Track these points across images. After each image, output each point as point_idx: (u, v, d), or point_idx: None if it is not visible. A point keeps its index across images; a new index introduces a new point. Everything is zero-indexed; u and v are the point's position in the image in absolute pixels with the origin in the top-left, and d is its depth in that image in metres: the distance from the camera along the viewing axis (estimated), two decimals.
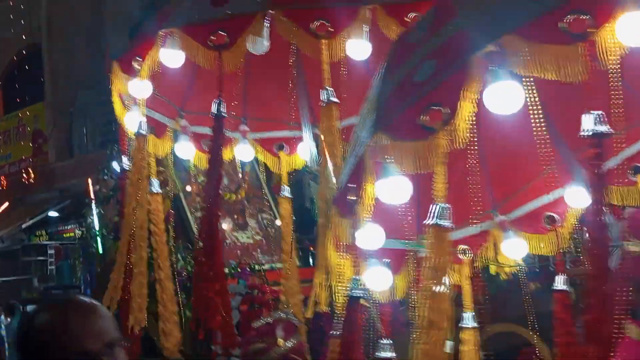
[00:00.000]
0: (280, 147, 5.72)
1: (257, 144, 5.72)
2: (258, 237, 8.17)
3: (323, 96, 4.55)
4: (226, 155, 5.37)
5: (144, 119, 4.84)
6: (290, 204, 5.79)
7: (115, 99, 4.99)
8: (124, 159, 5.43)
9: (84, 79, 20.02)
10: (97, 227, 16.07)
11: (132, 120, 4.91)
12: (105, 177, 7.87)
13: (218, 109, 4.53)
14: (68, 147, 20.31)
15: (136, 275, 5.01)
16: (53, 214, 19.09)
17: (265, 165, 8.75)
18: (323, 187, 4.57)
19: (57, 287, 17.53)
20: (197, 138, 5.38)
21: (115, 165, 7.93)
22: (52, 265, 18.92)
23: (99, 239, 16.32)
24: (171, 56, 4.55)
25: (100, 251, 16.47)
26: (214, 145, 4.62)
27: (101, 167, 7.94)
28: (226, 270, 7.41)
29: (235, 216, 8.15)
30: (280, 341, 4.53)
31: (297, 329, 4.73)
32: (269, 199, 8.54)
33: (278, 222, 7.60)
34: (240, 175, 8.33)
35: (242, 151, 5.67)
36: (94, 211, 16.28)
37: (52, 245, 18.99)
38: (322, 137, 4.56)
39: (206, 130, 4.82)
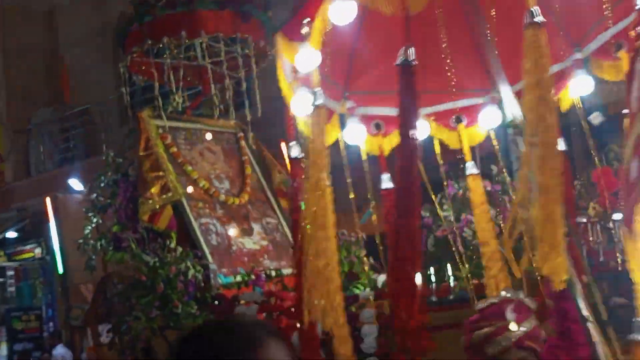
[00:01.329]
0: (459, 120, 5.21)
1: (431, 120, 5.18)
2: (264, 243, 7.80)
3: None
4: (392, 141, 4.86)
5: (320, 89, 4.14)
6: (480, 180, 5.27)
7: (281, 76, 4.43)
8: (293, 147, 4.59)
9: (41, 96, 19.57)
10: (56, 246, 15.56)
11: (301, 97, 4.26)
12: (102, 184, 7.41)
13: (408, 56, 3.77)
14: (25, 166, 19.74)
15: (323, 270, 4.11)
16: (11, 234, 18.42)
17: (264, 163, 8.48)
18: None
19: (17, 309, 16.98)
20: (366, 120, 4.90)
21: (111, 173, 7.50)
22: (12, 287, 18.33)
23: (58, 258, 15.78)
24: (343, 9, 3.95)
25: (61, 271, 15.94)
26: (406, 104, 3.80)
27: (97, 174, 7.47)
28: (238, 278, 7.03)
29: (240, 221, 7.77)
30: (513, 325, 3.71)
31: (531, 311, 3.86)
32: (272, 202, 8.19)
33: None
34: (241, 178, 7.98)
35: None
36: (54, 230, 15.74)
37: (11, 267, 18.37)
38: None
39: (375, 111, 4.34)
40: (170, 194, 7.29)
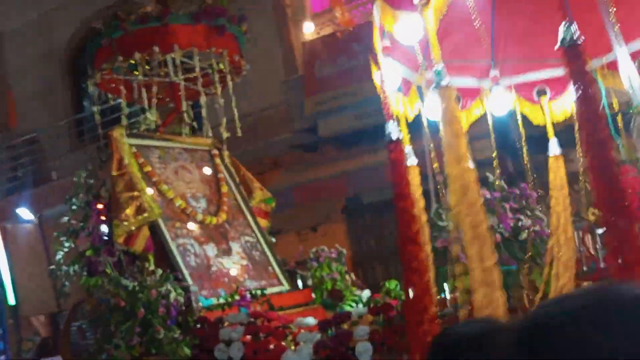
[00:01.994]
0: (542, 92, 4.89)
1: (512, 91, 4.86)
2: (244, 262, 7.54)
3: None
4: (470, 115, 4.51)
5: (442, 65, 3.67)
6: (562, 162, 4.95)
7: (376, 44, 4.07)
8: (391, 126, 4.20)
9: None
10: (7, 277, 15.02)
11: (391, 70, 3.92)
12: (74, 207, 7.08)
13: (572, 34, 3.30)
14: None
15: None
16: None
17: (243, 181, 8.23)
18: None
19: None
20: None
21: (83, 195, 7.18)
22: None
23: (9, 290, 15.23)
24: None
25: (12, 303, 15.38)
26: (582, 90, 3.26)
27: (70, 195, 7.13)
28: (221, 299, 6.78)
29: (218, 241, 7.50)
30: None
31: None
32: (249, 220, 7.94)
33: None
34: (218, 197, 7.74)
35: (496, 102, 4.70)
36: (4, 261, 15.20)
37: None
38: None
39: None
40: (146, 215, 7.00)
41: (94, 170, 7.37)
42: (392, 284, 7.25)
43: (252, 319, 6.43)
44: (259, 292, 6.87)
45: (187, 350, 6.36)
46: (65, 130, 17.80)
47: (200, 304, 6.79)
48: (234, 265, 7.42)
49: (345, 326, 6.15)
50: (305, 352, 6.08)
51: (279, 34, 13.98)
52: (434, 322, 4.03)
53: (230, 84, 7.75)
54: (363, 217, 13.81)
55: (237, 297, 6.71)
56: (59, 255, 7.06)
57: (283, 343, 6.29)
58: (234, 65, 7.81)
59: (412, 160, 4.63)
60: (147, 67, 7.54)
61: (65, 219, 7.10)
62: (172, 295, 6.43)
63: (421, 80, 4.61)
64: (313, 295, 7.54)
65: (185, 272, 6.89)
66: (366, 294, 7.53)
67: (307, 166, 13.52)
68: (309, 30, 13.58)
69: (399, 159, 4.31)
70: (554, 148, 4.94)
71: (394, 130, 4.28)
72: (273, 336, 6.34)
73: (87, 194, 7.17)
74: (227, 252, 7.48)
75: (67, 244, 7.05)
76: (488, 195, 5.21)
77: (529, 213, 5.01)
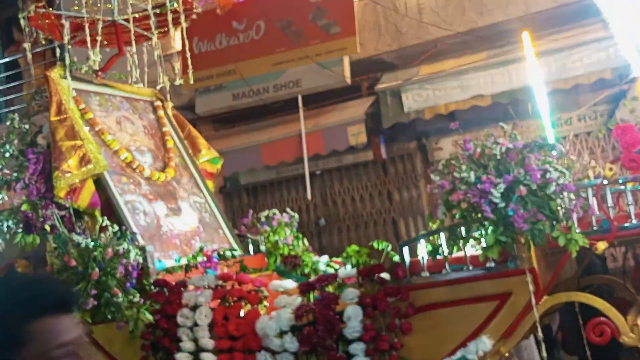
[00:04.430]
0: None
1: None
2: (194, 224, 6.87)
3: None
4: None
5: None
6: None
7: None
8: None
9: None
10: None
11: None
12: (8, 154, 6.19)
13: None
14: None
15: None
16: None
17: (188, 138, 7.54)
18: None
19: None
20: None
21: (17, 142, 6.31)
22: None
23: None
24: None
25: None
26: None
27: (2, 141, 6.22)
28: (183, 260, 6.13)
29: (168, 200, 6.80)
30: None
31: None
32: (197, 180, 7.26)
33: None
34: (163, 152, 7.04)
35: None
36: None
37: None
38: None
39: None
40: (91, 166, 6.21)
41: (27, 114, 6.50)
42: (352, 249, 6.86)
43: (221, 282, 5.83)
44: (228, 252, 6.26)
45: (149, 316, 5.68)
46: None
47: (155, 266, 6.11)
48: (184, 226, 6.75)
49: (330, 289, 5.67)
50: (285, 317, 5.56)
51: None
52: None
53: (183, 25, 6.98)
54: (240, 197, 13.46)
55: (202, 258, 6.07)
56: None
57: (257, 307, 5.75)
58: (187, 5, 7.08)
59: None
60: (89, 1, 6.69)
61: None
62: (133, 254, 5.72)
63: None
64: (266, 261, 7.00)
65: (136, 231, 6.17)
66: (324, 259, 7.07)
67: None
68: None
69: None
70: None
71: None
72: (246, 300, 5.78)
73: (22, 142, 6.31)
74: (177, 212, 6.80)
75: None
76: (510, 145, 4.88)
77: (555, 167, 4.71)
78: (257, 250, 7.12)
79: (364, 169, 12.88)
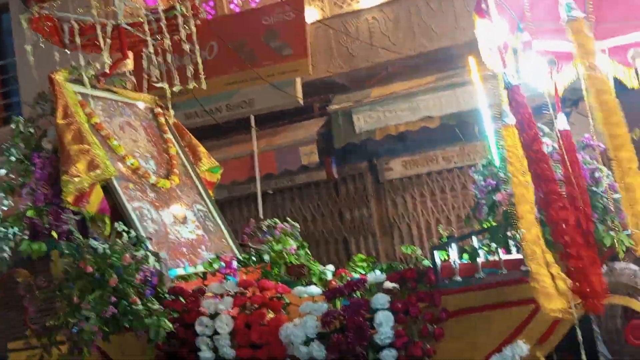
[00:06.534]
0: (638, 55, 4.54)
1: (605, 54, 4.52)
2: (199, 232, 6.69)
3: None
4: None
5: None
6: None
7: None
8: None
9: None
10: None
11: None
12: (13, 158, 5.92)
13: None
14: None
15: None
16: None
17: (189, 146, 7.37)
18: None
19: None
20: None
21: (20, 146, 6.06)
22: None
23: None
24: None
25: None
26: None
27: (6, 146, 5.95)
28: (193, 269, 5.96)
29: (173, 207, 6.61)
30: None
31: None
32: (199, 188, 7.08)
33: None
34: (167, 159, 6.86)
35: None
36: None
37: None
38: None
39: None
40: (99, 172, 6.00)
41: (32, 118, 6.25)
42: (359, 257, 6.82)
43: (242, 289, 5.67)
44: (251, 258, 6.10)
45: (169, 324, 5.47)
46: None
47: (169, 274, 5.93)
48: (190, 235, 6.57)
49: (358, 294, 5.57)
50: (310, 324, 5.43)
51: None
52: None
53: (193, 29, 6.84)
54: None
55: (221, 264, 5.89)
56: None
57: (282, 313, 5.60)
58: (195, 10, 6.96)
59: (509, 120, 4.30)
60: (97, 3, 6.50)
61: (2, 172, 5.92)
62: (151, 261, 5.52)
63: (517, 43, 4.38)
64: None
65: (150, 237, 5.97)
66: (330, 268, 6.96)
67: None
68: None
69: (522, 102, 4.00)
70: None
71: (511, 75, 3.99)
72: (268, 307, 5.62)
73: (27, 145, 6.06)
74: (182, 219, 6.61)
75: (5, 202, 5.87)
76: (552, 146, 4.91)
77: (599, 166, 4.76)
78: (260, 260, 6.96)
79: (316, 189, 13.03)
